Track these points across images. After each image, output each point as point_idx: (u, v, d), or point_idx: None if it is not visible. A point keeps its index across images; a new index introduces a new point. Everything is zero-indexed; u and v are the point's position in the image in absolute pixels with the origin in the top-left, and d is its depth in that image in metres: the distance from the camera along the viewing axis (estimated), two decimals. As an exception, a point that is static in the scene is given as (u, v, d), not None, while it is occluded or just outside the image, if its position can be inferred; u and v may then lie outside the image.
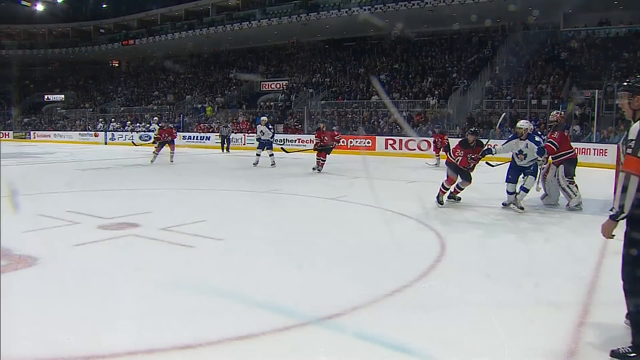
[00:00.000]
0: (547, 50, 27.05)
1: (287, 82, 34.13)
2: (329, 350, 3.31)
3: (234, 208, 8.56)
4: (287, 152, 15.28)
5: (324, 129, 14.74)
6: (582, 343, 3.36)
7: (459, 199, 8.91)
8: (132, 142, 19.27)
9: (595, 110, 19.05)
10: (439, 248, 5.79)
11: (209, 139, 28.18)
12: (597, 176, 11.42)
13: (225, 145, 24.06)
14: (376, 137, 23.46)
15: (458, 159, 8.44)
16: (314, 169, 14.04)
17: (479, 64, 28.01)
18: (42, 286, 4.40)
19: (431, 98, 26.15)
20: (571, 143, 8.96)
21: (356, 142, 23.56)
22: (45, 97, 46.45)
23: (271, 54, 39.12)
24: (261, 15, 35.74)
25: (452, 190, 8.72)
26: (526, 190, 8.23)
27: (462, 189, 8.79)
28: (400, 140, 22.29)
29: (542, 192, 8.96)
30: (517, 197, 8.21)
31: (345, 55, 34.71)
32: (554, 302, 4.11)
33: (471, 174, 8.66)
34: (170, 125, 18.60)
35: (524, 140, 8.19)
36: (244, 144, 26.46)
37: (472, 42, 30.82)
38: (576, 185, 8.42)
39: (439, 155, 16.79)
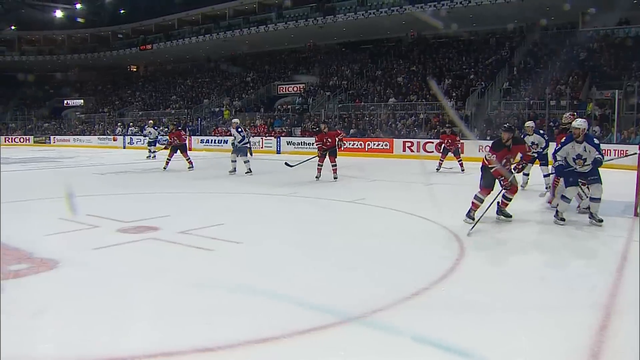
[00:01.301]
0: (566, 51, 26.77)
1: (304, 85, 34.16)
2: (358, 350, 3.32)
3: (252, 211, 8.60)
4: (291, 166, 13.43)
5: (325, 130, 12.76)
6: (605, 347, 3.33)
7: (510, 216, 7.46)
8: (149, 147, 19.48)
9: (616, 111, 18.82)
10: (458, 250, 5.76)
11: (226, 142, 28.31)
12: (617, 178, 11.25)
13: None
14: (394, 139, 23.40)
15: (493, 167, 7.11)
16: (317, 178, 12.52)
17: (496, 66, 27.83)
18: (63, 289, 4.45)
19: (449, 100, 26.02)
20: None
21: (374, 144, 23.53)
22: (65, 102, 47.12)
23: (288, 57, 39.21)
24: (277, 18, 35.82)
25: (500, 202, 7.34)
26: (598, 200, 7.14)
27: (511, 199, 7.36)
28: (418, 143, 22.21)
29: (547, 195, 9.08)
30: (590, 208, 7.24)
31: (362, 57, 34.64)
32: (575, 306, 4.09)
33: (514, 177, 7.40)
34: (179, 127, 18.17)
35: (581, 143, 7.10)
36: (262, 147, 26.59)
37: (489, 43, 30.70)
38: (588, 187, 7.82)
39: (443, 159, 15.35)
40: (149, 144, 21.18)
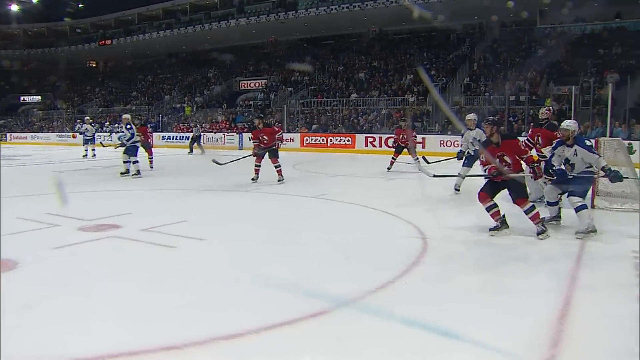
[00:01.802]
0: (524, 47, 27.17)
1: (266, 80, 33.93)
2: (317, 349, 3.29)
3: (215, 207, 8.51)
4: (220, 164, 11.47)
5: (260, 126, 11.26)
6: (565, 334, 3.42)
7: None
8: (101, 143, 18.07)
9: (573, 106, 19.09)
10: (420, 244, 5.75)
11: (187, 139, 27.84)
12: None
13: (196, 145, 23.17)
14: (356, 135, 23.36)
15: (486, 167, 6.30)
16: (253, 180, 11.08)
17: (457, 62, 28.05)
18: (24, 289, 4.29)
19: (410, 95, 26.10)
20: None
21: (336, 140, 23.46)
22: (22, 98, 45.76)
23: (250, 52, 38.87)
24: (239, 14, 35.53)
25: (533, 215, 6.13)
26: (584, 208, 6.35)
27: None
28: (380, 138, 22.20)
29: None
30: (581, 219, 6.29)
31: (324, 53, 34.61)
32: (535, 295, 4.17)
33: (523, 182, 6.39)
34: (142, 122, 16.94)
35: (571, 146, 6.34)
36: (224, 143, 26.27)
37: (450, 39, 30.93)
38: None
39: (395, 158, 13.94)
40: (86, 141, 19.50)
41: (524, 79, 24.07)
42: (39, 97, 45.08)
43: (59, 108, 40.62)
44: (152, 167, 14.64)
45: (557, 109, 20.77)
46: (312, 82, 31.64)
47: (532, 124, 10.16)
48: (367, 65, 31.22)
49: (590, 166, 6.29)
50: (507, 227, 6.22)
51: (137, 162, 12.44)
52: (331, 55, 34.08)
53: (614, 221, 7.06)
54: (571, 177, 6.31)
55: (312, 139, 24.26)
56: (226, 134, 27.30)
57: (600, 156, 6.44)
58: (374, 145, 22.26)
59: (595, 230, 6.14)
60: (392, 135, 21.68)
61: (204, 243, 5.90)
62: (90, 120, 21.19)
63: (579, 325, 3.62)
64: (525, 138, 8.40)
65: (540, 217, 6.14)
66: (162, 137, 29.06)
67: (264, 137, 11.16)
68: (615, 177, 6.09)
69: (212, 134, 27.72)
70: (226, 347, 3.25)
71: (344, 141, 23.20)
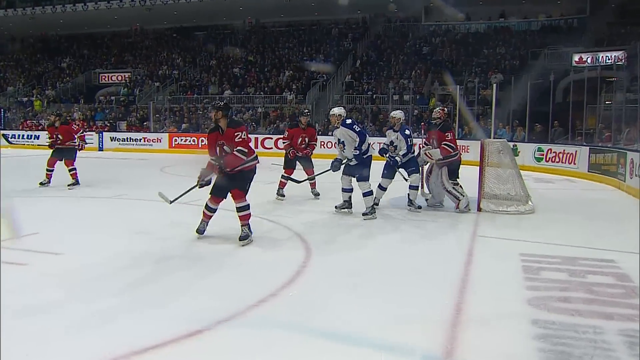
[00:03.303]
0: (409, 44, 27.50)
1: (129, 74, 32.08)
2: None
3: (73, 216, 7.97)
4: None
5: (57, 123, 10.78)
6: (458, 343, 3.50)
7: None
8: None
9: (457, 107, 19.28)
10: (304, 252, 5.79)
11: (37, 138, 25.46)
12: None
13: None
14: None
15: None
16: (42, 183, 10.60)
17: (338, 57, 27.88)
18: None
19: (289, 93, 25.59)
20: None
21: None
22: None
23: (111, 41, 36.58)
24: (98, -5, 33.21)
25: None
26: (415, 188, 8.46)
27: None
28: (257, 139, 21.31)
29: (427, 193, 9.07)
30: (409, 196, 8.44)
31: (196, 45, 33.43)
32: (427, 303, 4.25)
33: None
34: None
35: (397, 132, 8.38)
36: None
37: (331, 33, 30.77)
38: (461, 186, 8.44)
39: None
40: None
41: (408, 77, 24.23)
42: None
43: None
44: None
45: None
46: (182, 76, 30.35)
47: (423, 124, 9.84)
48: (243, 59, 30.40)
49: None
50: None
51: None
52: (203, 47, 32.89)
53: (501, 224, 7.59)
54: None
55: (181, 140, 23.14)
56: (85, 133, 25.10)
57: (411, 148, 8.30)
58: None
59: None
60: (270, 136, 21.06)
61: (61, 258, 5.49)
62: None
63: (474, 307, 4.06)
64: (445, 143, 8.23)
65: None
66: (5, 135, 26.24)
67: (58, 135, 10.63)
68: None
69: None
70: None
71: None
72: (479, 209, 8.33)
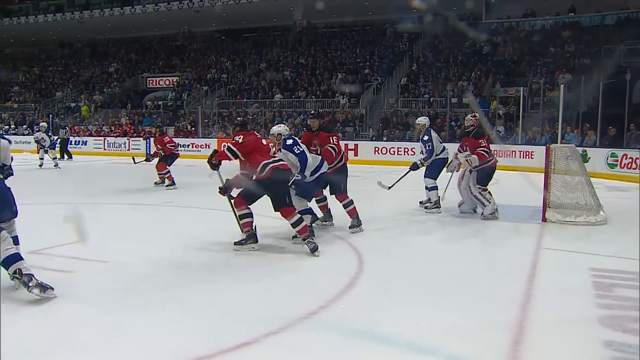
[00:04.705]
0: (468, 44, 27.22)
1: (177, 78, 32.77)
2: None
3: (116, 224, 8.12)
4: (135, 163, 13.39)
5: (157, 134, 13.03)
6: (525, 337, 3.63)
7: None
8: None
9: (521, 109, 18.99)
10: (356, 263, 5.76)
11: (85, 144, 26.30)
12: (523, 181, 11.41)
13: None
14: (280, 140, 22.42)
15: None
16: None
17: (394, 59, 27.81)
18: None
19: (341, 97, 25.60)
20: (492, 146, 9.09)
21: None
22: None
23: (158, 45, 37.51)
24: (146, -1, 34.09)
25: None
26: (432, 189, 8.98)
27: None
28: (307, 144, 21.44)
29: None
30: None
31: (245, 48, 33.88)
32: (484, 320, 4.13)
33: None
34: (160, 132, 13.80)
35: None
36: (129, 149, 24.79)
37: (386, 34, 30.72)
38: (490, 193, 8.47)
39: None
40: (42, 148, 18.75)
41: (467, 79, 23.98)
42: None
43: None
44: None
45: (504, 113, 20.75)
46: (230, 80, 30.76)
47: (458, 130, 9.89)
48: (293, 62, 30.65)
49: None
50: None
51: (56, 157, 15.59)
52: (253, 50, 33.35)
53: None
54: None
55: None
56: (130, 138, 25.85)
57: (427, 157, 8.91)
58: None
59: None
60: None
61: (105, 266, 5.64)
62: (46, 128, 19.57)
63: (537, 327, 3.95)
64: (482, 150, 8.42)
65: None
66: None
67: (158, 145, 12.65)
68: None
69: (114, 138, 26.30)
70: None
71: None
72: (544, 219, 8.15)
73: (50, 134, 19.53)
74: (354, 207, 7.32)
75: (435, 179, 8.92)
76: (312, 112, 8.07)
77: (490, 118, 21.04)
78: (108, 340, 3.76)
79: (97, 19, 35.15)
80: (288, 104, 26.52)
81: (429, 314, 4.24)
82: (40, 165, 18.42)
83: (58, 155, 20.11)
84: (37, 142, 19.00)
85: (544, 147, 8.88)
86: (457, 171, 8.98)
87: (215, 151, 6.45)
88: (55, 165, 18.45)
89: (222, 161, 6.32)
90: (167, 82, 33.19)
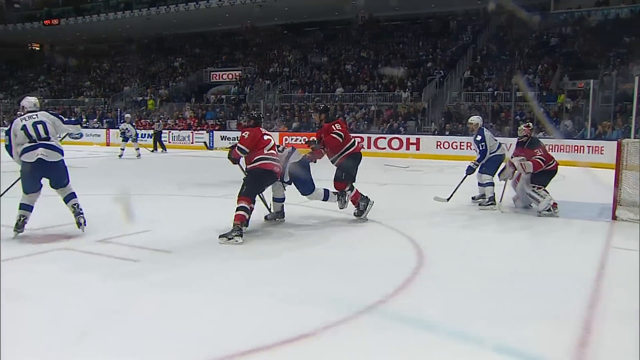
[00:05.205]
0: (535, 36, 26.84)
1: (240, 72, 33.41)
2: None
3: (182, 215, 8.22)
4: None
5: None
6: (592, 334, 3.57)
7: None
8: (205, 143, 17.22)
9: (590, 103, 18.73)
10: (416, 257, 5.71)
11: (150, 137, 27.29)
12: (592, 177, 11.37)
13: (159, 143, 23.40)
14: (341, 134, 22.68)
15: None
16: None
17: (457, 52, 27.66)
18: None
19: (403, 91, 25.67)
20: (562, 141, 8.84)
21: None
22: (-53, 83, 43.59)
23: (222, 39, 38.31)
24: (209, -6, 34.87)
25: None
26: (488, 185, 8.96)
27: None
28: (369, 138, 21.68)
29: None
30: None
31: (307, 42, 34.19)
32: (550, 320, 4.06)
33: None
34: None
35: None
36: (192, 142, 25.65)
37: (449, 27, 30.58)
38: (545, 190, 8.32)
39: None
40: (125, 139, 19.81)
41: (533, 72, 23.70)
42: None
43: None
44: None
45: (572, 107, 20.46)
46: (292, 74, 31.15)
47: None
48: (355, 55, 30.78)
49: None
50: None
51: (138, 148, 17.09)
52: (314, 44, 33.65)
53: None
54: None
55: (292, 139, 23.74)
56: (194, 131, 26.68)
57: (481, 158, 8.93)
58: (363, 147, 21.68)
59: None
60: (383, 136, 21.40)
61: (169, 256, 5.71)
62: (130, 119, 20.86)
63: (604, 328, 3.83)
64: (538, 158, 8.42)
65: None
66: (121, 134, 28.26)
67: None
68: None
69: (178, 131, 27.12)
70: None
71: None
72: (614, 217, 7.91)
73: (134, 124, 20.55)
74: (343, 200, 7.42)
75: (492, 175, 8.90)
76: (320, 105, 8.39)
77: (557, 112, 20.82)
78: (171, 326, 3.82)
79: (163, 15, 36.11)
80: (349, 98, 26.69)
81: (493, 309, 4.23)
82: (120, 156, 19.21)
83: (149, 149, 21.36)
84: (122, 133, 19.99)
85: (615, 142, 8.80)
86: (510, 179, 8.85)
87: (233, 147, 6.85)
88: (137, 156, 19.25)
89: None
90: (230, 76, 33.75)
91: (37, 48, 48.37)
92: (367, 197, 7.67)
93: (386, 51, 30.10)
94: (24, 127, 6.19)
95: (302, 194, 7.41)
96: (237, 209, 6.36)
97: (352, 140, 7.88)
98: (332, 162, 7.77)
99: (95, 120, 31.54)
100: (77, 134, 7.09)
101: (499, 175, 8.91)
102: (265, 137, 6.83)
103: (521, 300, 4.46)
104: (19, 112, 6.58)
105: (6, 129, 6.44)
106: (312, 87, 28.98)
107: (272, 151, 6.81)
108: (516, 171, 8.72)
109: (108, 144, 27.50)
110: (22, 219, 6.25)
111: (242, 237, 6.23)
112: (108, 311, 4.10)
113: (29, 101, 6.65)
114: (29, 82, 41.76)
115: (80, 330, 3.73)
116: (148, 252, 5.79)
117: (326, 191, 7.32)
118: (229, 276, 5.12)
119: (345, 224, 7.48)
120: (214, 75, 34.71)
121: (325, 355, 3.43)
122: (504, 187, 8.83)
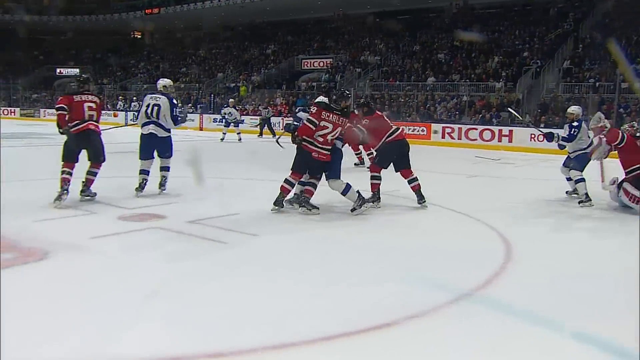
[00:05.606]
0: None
1: (331, 60, 33.79)
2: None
3: (270, 200, 8.22)
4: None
5: None
6: None
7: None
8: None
9: None
10: (503, 253, 5.63)
11: (242, 122, 28.13)
12: None
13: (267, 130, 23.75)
14: (432, 124, 22.89)
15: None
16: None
17: (556, 41, 26.96)
18: (52, 283, 4.29)
19: (497, 81, 25.33)
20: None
21: (409, 129, 23.10)
22: (58, 70, 46.35)
23: (314, 27, 38.85)
24: (303, -18, 35.50)
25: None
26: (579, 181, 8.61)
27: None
28: (460, 129, 21.66)
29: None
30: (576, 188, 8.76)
31: (399, 30, 34.07)
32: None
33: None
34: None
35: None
36: (282, 129, 26.32)
37: (549, 14, 29.82)
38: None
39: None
40: (227, 124, 20.94)
41: (641, 62, 22.78)
42: (77, 70, 44.27)
43: (100, 83, 41.15)
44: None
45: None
46: (384, 62, 31.22)
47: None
48: (448, 44, 30.48)
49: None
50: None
51: (239, 132, 18.94)
52: (407, 32, 33.54)
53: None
54: None
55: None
56: (285, 118, 27.39)
57: (558, 138, 9.10)
58: (452, 138, 21.68)
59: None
60: (474, 127, 21.37)
61: (255, 239, 5.90)
62: (234, 103, 22.03)
63: None
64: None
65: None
66: (214, 119, 29.30)
67: None
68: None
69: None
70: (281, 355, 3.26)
71: (418, 131, 22.77)
72: None
73: (237, 109, 21.41)
74: (360, 204, 7.20)
75: (582, 171, 8.64)
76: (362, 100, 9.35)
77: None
78: (264, 307, 3.94)
79: (257, 3, 36.98)
80: (441, 87, 26.56)
81: (584, 308, 4.15)
82: (222, 139, 20.09)
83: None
84: (223, 116, 20.93)
85: None
86: (605, 157, 8.50)
87: (295, 128, 7.64)
88: (239, 140, 20.13)
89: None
90: (321, 64, 34.13)
91: (139, 36, 50.62)
92: (379, 197, 7.89)
93: (481, 40, 29.77)
94: (147, 105, 8.13)
95: (327, 179, 7.32)
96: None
97: (394, 128, 8.17)
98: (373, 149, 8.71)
99: (189, 105, 32.80)
100: (181, 117, 8.41)
101: (590, 156, 8.64)
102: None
103: (612, 302, 4.33)
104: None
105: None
106: (403, 76, 28.91)
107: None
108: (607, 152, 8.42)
109: (201, 129, 28.45)
110: (143, 181, 8.01)
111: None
112: (188, 286, 4.34)
113: (159, 83, 8.72)
114: (130, 68, 43.89)
115: (168, 297, 4.06)
116: (236, 235, 5.97)
117: (348, 185, 7.21)
118: (311, 258, 5.33)
119: (429, 213, 7.65)
120: (305, 63, 35.20)
121: (427, 335, 3.56)
122: (601, 166, 8.65)
